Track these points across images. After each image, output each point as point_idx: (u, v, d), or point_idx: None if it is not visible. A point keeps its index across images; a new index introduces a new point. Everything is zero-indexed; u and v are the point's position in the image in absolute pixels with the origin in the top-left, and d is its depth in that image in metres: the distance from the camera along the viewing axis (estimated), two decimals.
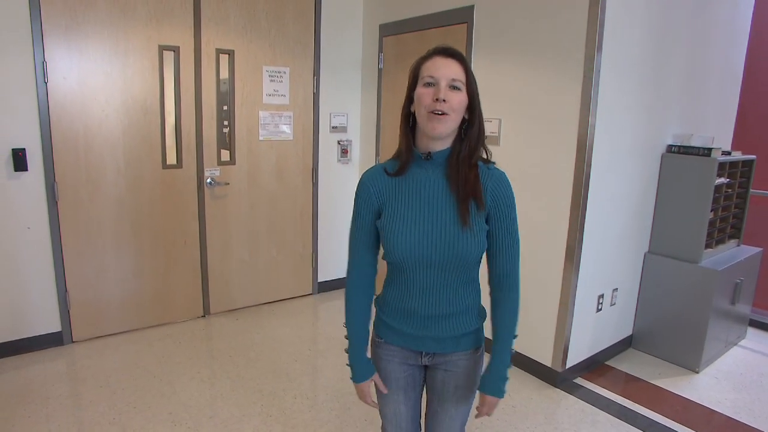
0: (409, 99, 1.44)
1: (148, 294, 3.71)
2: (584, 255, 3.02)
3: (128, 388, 2.97)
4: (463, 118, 1.42)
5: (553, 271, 3.07)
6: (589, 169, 2.88)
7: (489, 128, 3.31)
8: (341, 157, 4.47)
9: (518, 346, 1.60)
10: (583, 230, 2.95)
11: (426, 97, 1.36)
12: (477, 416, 1.62)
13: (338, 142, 4.43)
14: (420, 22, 3.74)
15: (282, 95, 4.03)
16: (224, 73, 3.75)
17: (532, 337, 3.20)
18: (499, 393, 1.55)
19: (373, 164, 4.29)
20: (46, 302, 3.34)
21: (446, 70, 1.37)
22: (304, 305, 4.33)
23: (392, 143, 4.19)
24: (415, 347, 1.56)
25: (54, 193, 3.22)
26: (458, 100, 1.37)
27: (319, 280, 4.55)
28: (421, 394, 1.71)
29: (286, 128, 4.10)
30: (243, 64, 3.80)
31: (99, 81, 3.28)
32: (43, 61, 3.08)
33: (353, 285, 1.59)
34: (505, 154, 3.22)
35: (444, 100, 1.34)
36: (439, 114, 1.35)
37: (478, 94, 1.42)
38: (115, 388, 2.97)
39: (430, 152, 1.44)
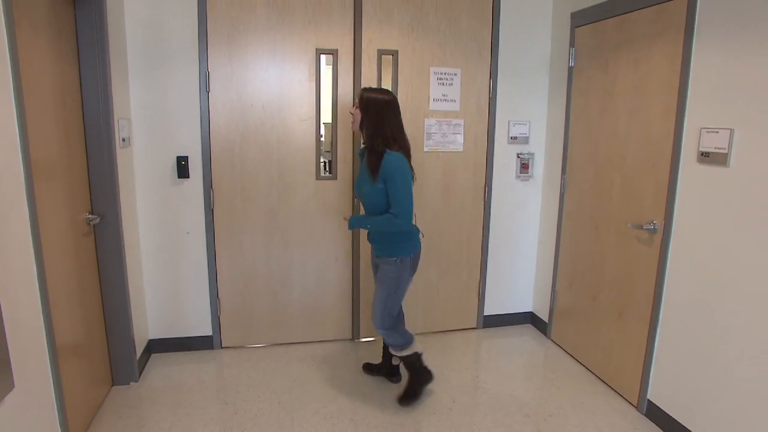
0: None
1: (295, 309, 3.56)
2: None
3: (250, 412, 2.80)
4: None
5: None
6: None
7: (714, 142, 2.35)
8: (520, 172, 3.79)
9: None
10: None
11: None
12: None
13: (517, 156, 3.77)
14: (623, 3, 2.90)
15: (452, 100, 3.54)
16: (386, 77, 3.41)
17: None
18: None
19: (559, 182, 3.60)
20: (201, 306, 3.40)
21: None
22: (463, 341, 3.76)
23: (583, 157, 3.39)
24: None
25: (210, 200, 3.25)
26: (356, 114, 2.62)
27: (485, 314, 3.94)
28: None
29: (455, 138, 3.60)
30: (407, 66, 3.41)
31: (256, 88, 3.21)
32: (207, 72, 3.11)
33: None
34: (736, 178, 2.24)
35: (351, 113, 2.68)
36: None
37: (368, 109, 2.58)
38: (238, 407, 2.83)
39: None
